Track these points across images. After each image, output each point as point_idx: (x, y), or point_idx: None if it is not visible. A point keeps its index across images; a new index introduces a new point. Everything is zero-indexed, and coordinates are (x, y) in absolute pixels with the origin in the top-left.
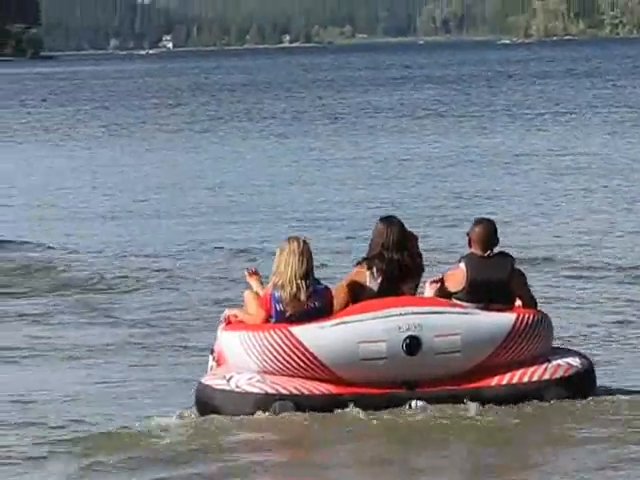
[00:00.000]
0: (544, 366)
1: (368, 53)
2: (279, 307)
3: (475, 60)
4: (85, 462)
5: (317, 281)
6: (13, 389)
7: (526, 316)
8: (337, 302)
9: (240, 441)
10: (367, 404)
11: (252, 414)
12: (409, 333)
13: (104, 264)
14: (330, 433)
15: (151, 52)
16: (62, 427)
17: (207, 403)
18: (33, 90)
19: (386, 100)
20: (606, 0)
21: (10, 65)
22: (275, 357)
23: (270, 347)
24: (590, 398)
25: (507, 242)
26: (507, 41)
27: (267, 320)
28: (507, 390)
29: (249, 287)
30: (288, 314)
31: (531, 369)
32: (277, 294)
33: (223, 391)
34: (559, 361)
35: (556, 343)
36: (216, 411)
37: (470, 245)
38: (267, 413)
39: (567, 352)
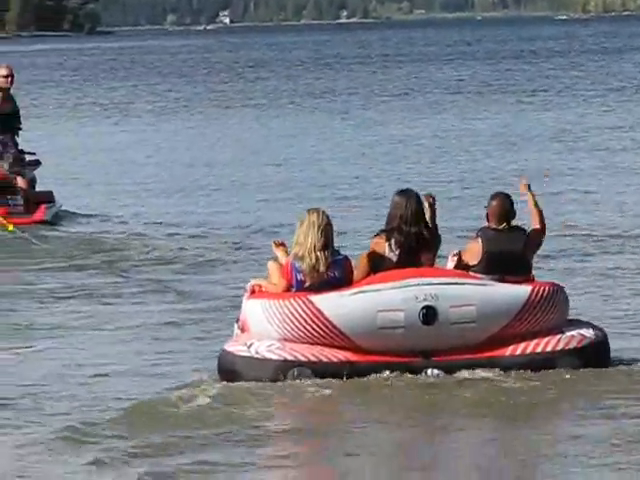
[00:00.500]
0: (558, 337)
1: (427, 29)
2: (299, 277)
3: (534, 35)
4: (120, 429)
5: (337, 252)
6: (72, 362)
7: (541, 288)
8: (357, 272)
9: (259, 408)
10: (383, 372)
11: (271, 380)
12: (426, 303)
13: (171, 240)
14: (348, 400)
15: (208, 27)
16: (101, 399)
17: (228, 369)
18: (91, 65)
19: (447, 75)
20: None
21: (67, 40)
22: (295, 325)
23: (290, 315)
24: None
25: (577, 219)
26: (564, 17)
27: (288, 289)
28: (521, 360)
29: (275, 258)
30: (308, 284)
31: (545, 340)
32: (297, 264)
33: (243, 357)
34: (573, 332)
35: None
36: (237, 377)
37: (488, 219)
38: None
39: (581, 323)
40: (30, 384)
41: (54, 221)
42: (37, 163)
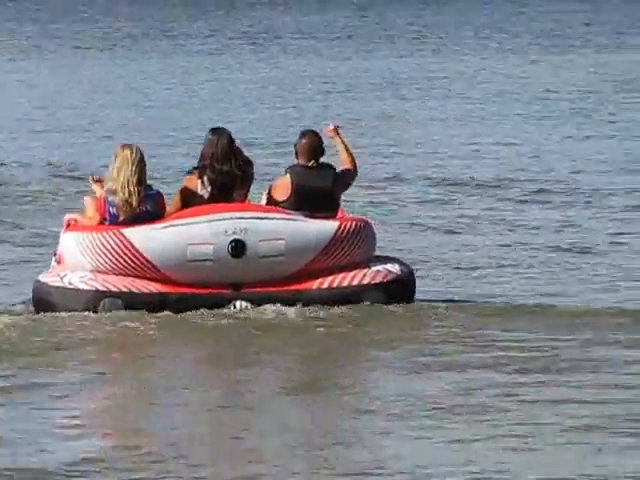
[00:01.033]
0: (364, 271)
1: None
2: (112, 211)
3: None
4: None
5: (150, 187)
6: None
7: (349, 223)
8: (170, 208)
9: (68, 338)
10: (193, 304)
11: (83, 310)
12: (235, 237)
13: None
14: (158, 331)
15: None
16: None
17: (42, 299)
18: None
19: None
20: None
21: None
22: (107, 257)
23: (102, 247)
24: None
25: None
26: None
27: (102, 223)
28: (328, 293)
29: (92, 193)
30: (121, 218)
31: (351, 274)
32: (110, 198)
33: (57, 288)
34: (379, 267)
35: None
36: (50, 308)
37: (297, 156)
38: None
39: (388, 259)
40: None
41: None
42: None
